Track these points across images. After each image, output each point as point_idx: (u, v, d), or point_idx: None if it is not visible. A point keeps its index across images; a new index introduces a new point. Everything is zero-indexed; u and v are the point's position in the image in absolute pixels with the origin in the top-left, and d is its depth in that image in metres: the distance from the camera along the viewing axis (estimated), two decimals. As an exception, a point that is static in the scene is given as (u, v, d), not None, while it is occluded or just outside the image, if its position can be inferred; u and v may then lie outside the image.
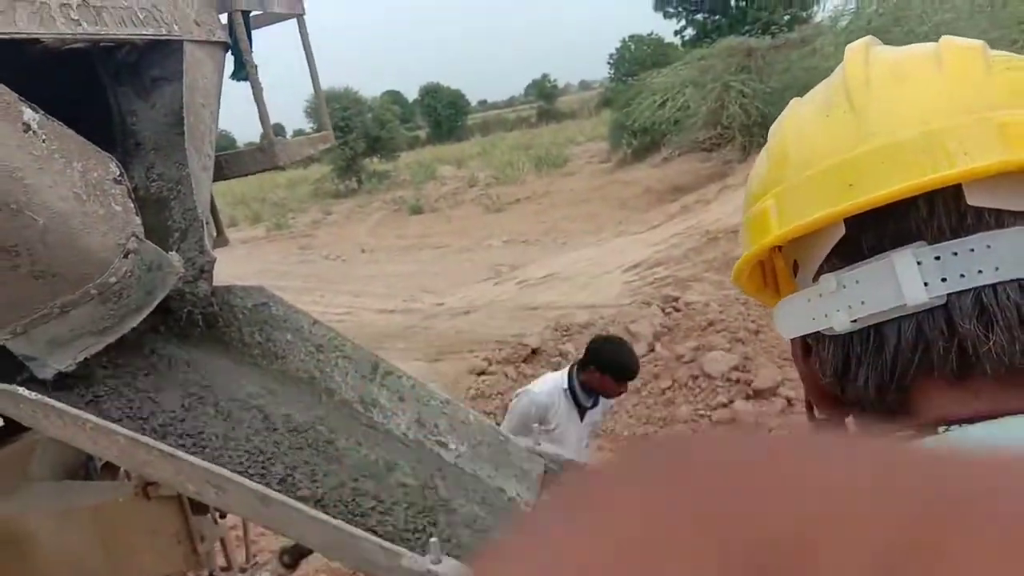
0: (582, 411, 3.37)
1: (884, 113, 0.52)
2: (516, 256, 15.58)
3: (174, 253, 2.23)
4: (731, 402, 5.84)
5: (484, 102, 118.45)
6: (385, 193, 28.41)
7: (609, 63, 42.16)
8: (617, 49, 41.25)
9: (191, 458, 1.62)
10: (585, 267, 12.58)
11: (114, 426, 1.68)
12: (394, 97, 61.38)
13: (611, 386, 3.26)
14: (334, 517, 1.67)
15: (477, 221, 20.97)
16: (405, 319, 11.22)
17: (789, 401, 5.56)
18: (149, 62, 2.90)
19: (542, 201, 21.93)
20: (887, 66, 0.55)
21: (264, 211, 27.92)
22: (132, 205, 2.28)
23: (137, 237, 2.15)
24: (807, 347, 0.59)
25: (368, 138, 32.12)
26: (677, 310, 7.52)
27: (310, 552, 1.97)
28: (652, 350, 6.95)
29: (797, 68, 15.95)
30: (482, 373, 7.88)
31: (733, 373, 6.03)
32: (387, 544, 1.54)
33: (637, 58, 37.27)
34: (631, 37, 40.95)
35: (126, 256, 2.08)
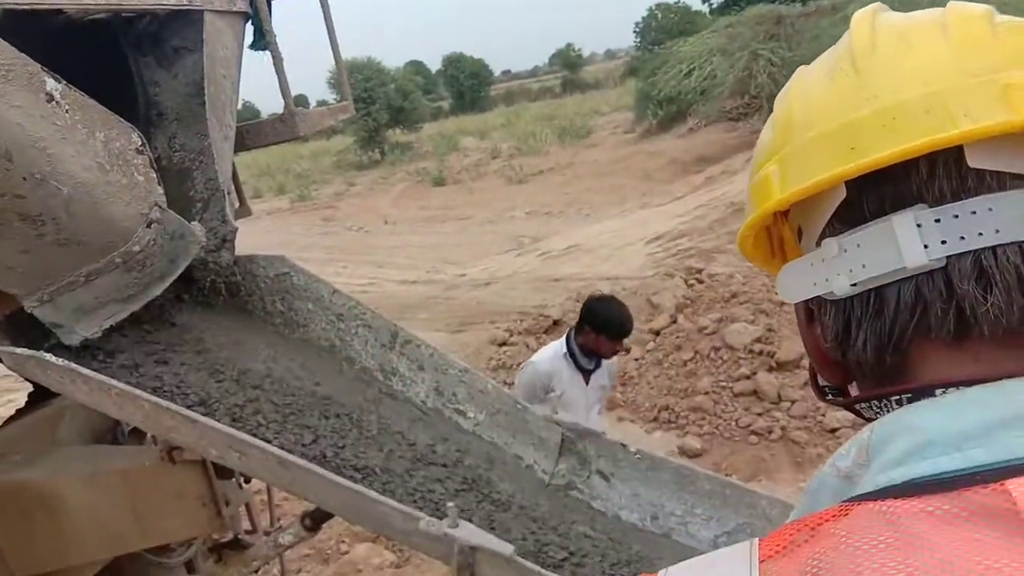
0: (585, 375, 3.35)
1: (888, 76, 0.51)
2: (538, 228, 15.54)
3: (196, 223, 2.26)
4: (754, 374, 5.82)
5: (507, 72, 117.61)
6: (408, 164, 28.39)
7: (635, 31, 41.60)
8: (644, 17, 40.66)
9: (214, 423, 1.65)
10: (608, 239, 12.52)
11: (139, 392, 1.72)
12: (417, 67, 61.07)
13: (606, 345, 3.24)
14: (354, 482, 1.70)
15: (500, 192, 20.91)
16: (427, 290, 11.27)
17: (812, 374, 5.53)
18: (170, 32, 2.91)
19: (565, 172, 21.79)
20: (893, 31, 0.54)
21: (288, 182, 28.04)
22: (154, 175, 2.30)
23: (160, 207, 2.18)
24: (810, 313, 0.59)
25: (391, 109, 32.04)
26: (700, 282, 7.48)
27: (331, 516, 2.00)
28: (674, 322, 6.93)
29: (827, 36, 15.61)
30: (503, 344, 7.92)
31: (756, 345, 6.00)
32: (405, 508, 1.57)
33: (664, 26, 36.70)
34: (658, 5, 40.29)
35: (149, 226, 2.11)
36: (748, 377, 5.82)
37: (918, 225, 0.48)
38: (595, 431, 1.95)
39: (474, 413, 2.09)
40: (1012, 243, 0.46)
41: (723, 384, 5.89)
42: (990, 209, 0.46)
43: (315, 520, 2.11)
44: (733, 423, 5.55)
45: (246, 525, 2.75)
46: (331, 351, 2.30)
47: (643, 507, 1.87)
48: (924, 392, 0.48)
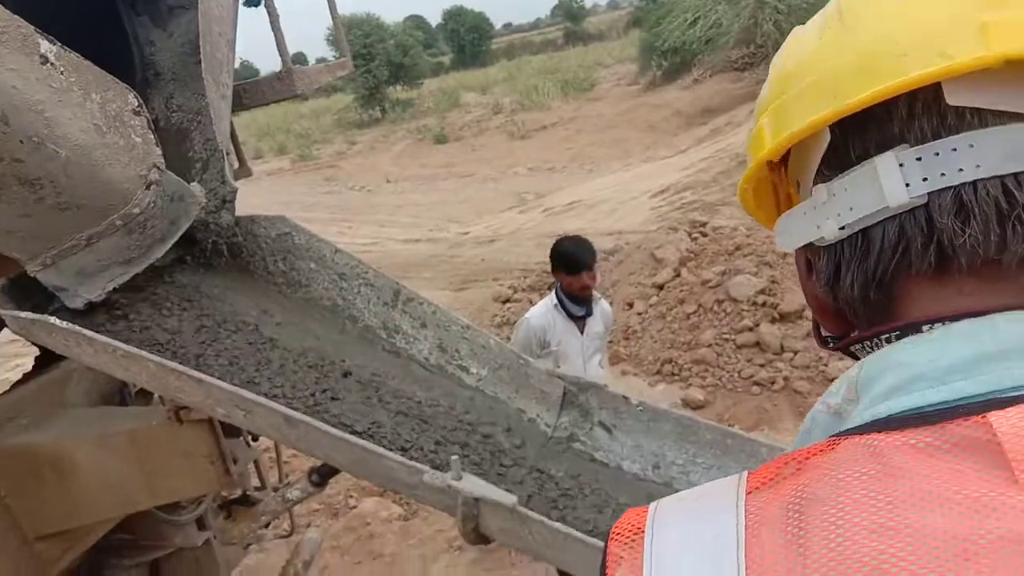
0: (579, 323, 3.34)
1: (870, 24, 0.52)
2: (542, 184, 15.46)
3: (196, 184, 2.26)
4: (756, 325, 5.83)
5: (509, 25, 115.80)
6: (409, 122, 28.15)
7: (637, -19, 40.78)
8: (646, -35, 39.82)
9: (219, 382, 1.67)
10: (612, 193, 12.46)
11: (144, 352, 1.74)
12: (417, 22, 60.13)
13: (571, 282, 3.22)
14: (360, 438, 1.73)
15: (502, 149, 20.77)
16: (431, 248, 11.28)
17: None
18: (166, -11, 2.87)
19: (568, 127, 21.60)
20: None
21: (289, 142, 27.85)
22: (152, 136, 2.29)
23: (158, 168, 2.17)
24: (809, 264, 0.60)
25: (391, 65, 31.64)
26: (704, 235, 7.46)
27: (338, 471, 2.04)
28: (678, 275, 6.94)
29: (833, -19, 15.24)
30: (507, 301, 7.95)
31: (759, 297, 6.01)
32: (409, 461, 1.60)
33: (667, -25, 35.96)
34: (661, -48, 39.43)
35: (148, 187, 2.11)
36: (751, 329, 5.84)
37: (900, 165, 0.49)
38: (597, 384, 1.97)
39: (477, 369, 2.11)
40: (993, 177, 0.47)
41: (726, 336, 5.92)
42: (971, 146, 0.47)
43: (322, 476, 2.15)
44: (736, 374, 5.59)
45: (255, 482, 2.80)
46: (334, 310, 2.31)
47: (645, 457, 1.90)
48: (911, 328, 0.49)
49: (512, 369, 2.08)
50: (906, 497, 0.40)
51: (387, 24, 34.60)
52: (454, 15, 55.84)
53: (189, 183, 2.26)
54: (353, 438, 1.61)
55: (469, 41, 54.09)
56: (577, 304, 3.29)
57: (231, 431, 2.28)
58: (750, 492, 0.47)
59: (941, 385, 0.44)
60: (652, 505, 0.50)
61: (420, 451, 1.84)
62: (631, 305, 6.98)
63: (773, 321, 5.82)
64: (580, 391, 1.99)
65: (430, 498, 1.64)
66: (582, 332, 3.34)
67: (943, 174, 0.48)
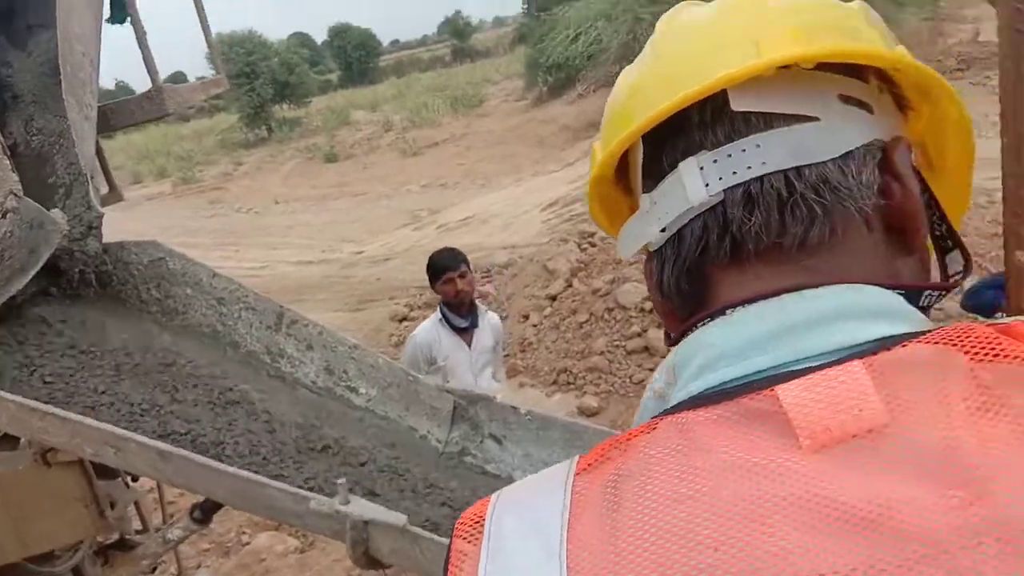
0: (466, 337, 3.36)
1: (671, 49, 0.59)
2: (435, 200, 15.43)
3: (57, 210, 2.14)
4: (645, 331, 6.00)
5: (396, 42, 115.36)
6: (297, 141, 27.54)
7: (522, -2, 41.44)
8: (529, -17, 40.51)
9: (86, 419, 1.58)
10: (504, 208, 12.58)
11: (3, 393, 1.63)
12: (302, 39, 59.06)
13: (445, 290, 3.25)
14: (243, 468, 1.67)
15: (394, 166, 20.61)
16: (324, 269, 11.05)
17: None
18: (23, 6, 2.72)
19: (460, 143, 21.67)
20: (686, 15, 0.61)
21: (170, 165, 26.71)
22: (7, 162, 2.16)
23: (15, 195, 2.05)
24: (651, 271, 0.63)
25: (276, 83, 30.90)
26: (593, 245, 7.62)
27: (221, 506, 1.96)
28: (570, 286, 7.06)
29: (706, -1, 15.98)
30: (404, 319, 7.88)
31: (646, 303, 6.19)
32: (293, 489, 1.56)
33: (549, -8, 36.68)
34: (542, -30, 40.19)
35: (4, 215, 1.99)
36: (640, 334, 6.01)
37: (700, 168, 0.54)
38: (486, 396, 1.98)
39: (366, 389, 2.08)
40: (777, 172, 0.52)
41: (617, 343, 6.06)
42: (758, 146, 0.53)
43: (204, 512, 2.06)
44: (628, 380, 5.73)
45: (138, 525, 2.66)
46: (214, 336, 2.24)
47: (535, 466, 1.92)
48: (718, 313, 0.53)
49: (402, 387, 2.06)
50: (705, 467, 0.44)
51: (270, 42, 33.83)
52: (340, 32, 55.13)
53: (51, 209, 2.14)
54: (232, 469, 1.56)
55: (356, 58, 53.49)
56: (459, 315, 3.29)
57: (108, 472, 2.15)
58: (578, 474, 0.49)
59: (739, 362, 0.49)
60: (494, 495, 0.52)
61: (308, 476, 1.80)
62: (526, 317, 7.05)
63: (660, 325, 5.98)
64: (470, 404, 2.00)
65: (318, 525, 1.60)
66: (470, 346, 3.34)
67: (735, 172, 0.53)
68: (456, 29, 62.57)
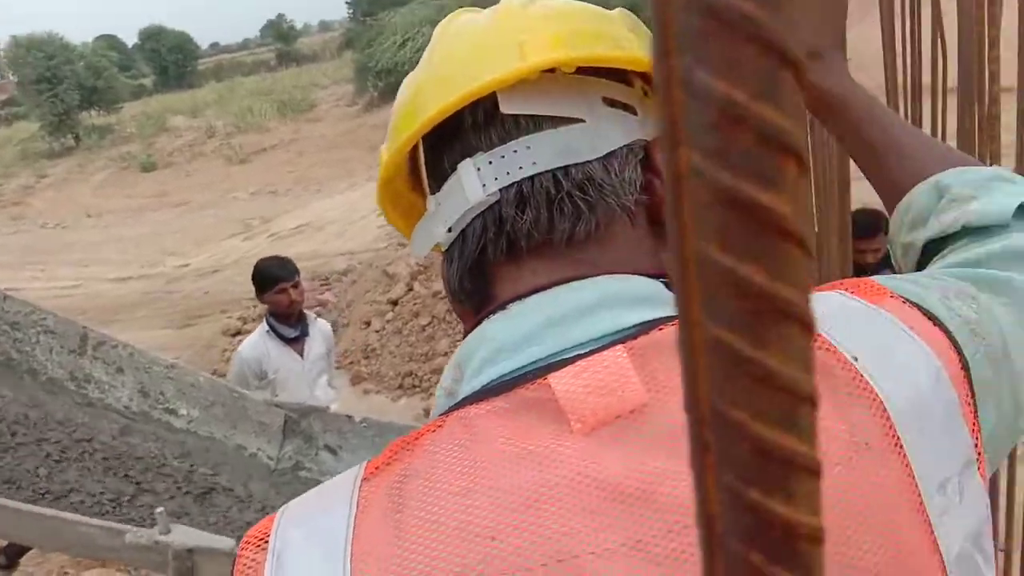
0: (297, 347, 3.23)
1: (443, 54, 0.60)
2: (266, 208, 14.85)
3: None
4: (487, 331, 6.09)
5: (216, 45, 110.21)
6: (110, 149, 25.59)
7: (347, 2, 40.70)
8: (353, -14, 39.83)
9: None
10: (340, 214, 12.32)
11: None
12: (110, 42, 55.07)
13: (277, 300, 3.10)
14: (49, 506, 1.52)
15: (220, 174, 19.64)
16: (145, 285, 10.35)
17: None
18: None
19: (289, 149, 20.99)
20: (460, 21, 0.63)
21: (-40, 180, 24.00)
22: None
23: None
24: (444, 272, 0.64)
25: (83, 89, 28.56)
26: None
27: (28, 548, 1.78)
28: (411, 289, 7.03)
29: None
30: (237, 333, 7.52)
31: (486, 302, 6.28)
32: (106, 523, 1.44)
33: (375, -4, 36.29)
34: (365, -26, 39.67)
35: None
36: (483, 334, 6.08)
37: (477, 169, 0.55)
38: (318, 408, 1.92)
39: (187, 410, 1.95)
40: (547, 171, 0.54)
41: (459, 343, 6.09)
42: (528, 147, 0.55)
43: (9, 557, 1.86)
44: (473, 380, 5.78)
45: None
46: (8, 365, 2.02)
47: (374, 475, 1.89)
48: (499, 309, 0.54)
49: (227, 405, 1.96)
50: (487, 459, 0.45)
51: (74, 45, 31.28)
52: (152, 35, 51.82)
53: None
54: (32, 507, 1.41)
55: (172, 62, 50.54)
56: (289, 326, 3.18)
57: None
58: (366, 479, 0.49)
59: (516, 354, 0.50)
60: (280, 509, 0.51)
61: (124, 508, 1.66)
62: (368, 323, 6.95)
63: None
64: (301, 417, 1.93)
65: (138, 559, 1.49)
66: (303, 355, 3.23)
67: (508, 173, 0.55)
68: (280, 33, 60.50)
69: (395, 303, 6.96)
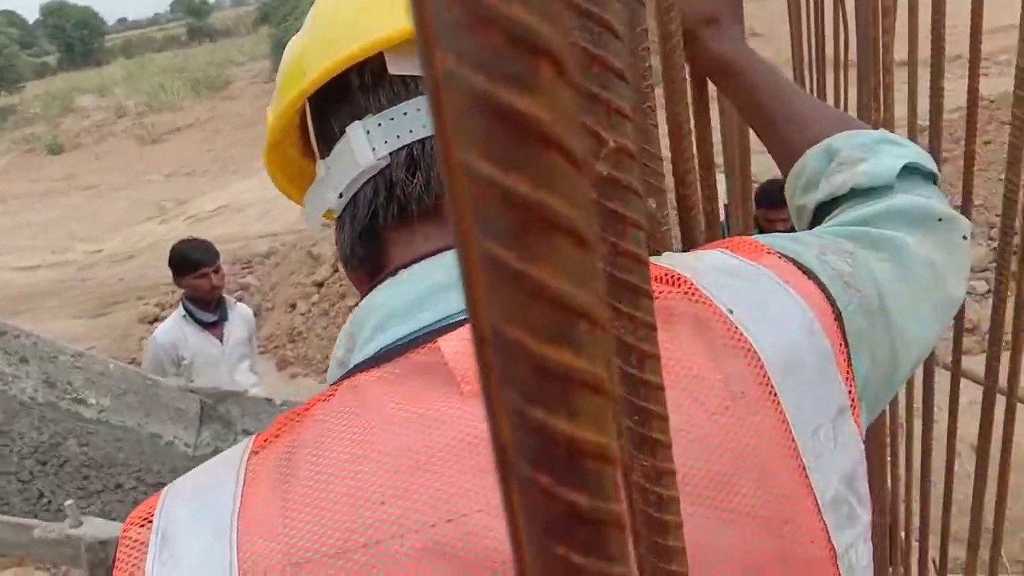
0: (216, 331, 3.15)
1: (327, 15, 0.59)
2: (182, 190, 14.34)
3: None
4: (414, 309, 6.04)
5: (124, 20, 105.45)
6: (13, 131, 24.29)
7: (262, -25, 39.46)
8: (268, -40, 38.60)
9: None
10: (260, 195, 11.97)
11: None
12: (9, 18, 52.12)
13: (197, 284, 3.03)
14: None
15: (132, 155, 18.85)
16: (55, 273, 9.89)
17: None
18: None
19: (205, 127, 20.28)
20: None
21: None
22: None
23: None
24: (338, 238, 0.62)
25: (-22, 67, 27.04)
26: (357, 227, 7.52)
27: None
28: (336, 271, 6.91)
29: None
30: (155, 320, 7.26)
31: (415, 281, 6.23)
32: (12, 519, 1.38)
33: (290, -30, 35.23)
34: (281, -54, 38.41)
35: None
36: (410, 313, 6.04)
37: (367, 132, 0.54)
38: (235, 392, 1.88)
39: (97, 399, 1.88)
40: None
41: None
42: (418, 110, 0.54)
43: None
44: (403, 359, 5.74)
45: None
46: (-102, 359, 1.91)
47: (296, 457, 1.87)
48: (390, 275, 0.54)
49: (140, 393, 1.89)
50: (376, 425, 0.44)
51: (-34, 20, 29.50)
52: (55, 10, 49.22)
53: None
54: (-72, 507, 1.35)
55: (78, 39, 48.16)
56: (207, 311, 3.08)
57: None
58: (255, 452, 0.48)
59: (407, 320, 0.50)
60: (165, 488, 0.50)
61: (33, 503, 1.60)
62: (294, 306, 6.81)
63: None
64: (218, 402, 1.88)
65: (49, 555, 1.44)
66: (222, 340, 3.14)
67: (399, 136, 0.54)
68: (191, 7, 58.24)
69: (320, 285, 6.84)
